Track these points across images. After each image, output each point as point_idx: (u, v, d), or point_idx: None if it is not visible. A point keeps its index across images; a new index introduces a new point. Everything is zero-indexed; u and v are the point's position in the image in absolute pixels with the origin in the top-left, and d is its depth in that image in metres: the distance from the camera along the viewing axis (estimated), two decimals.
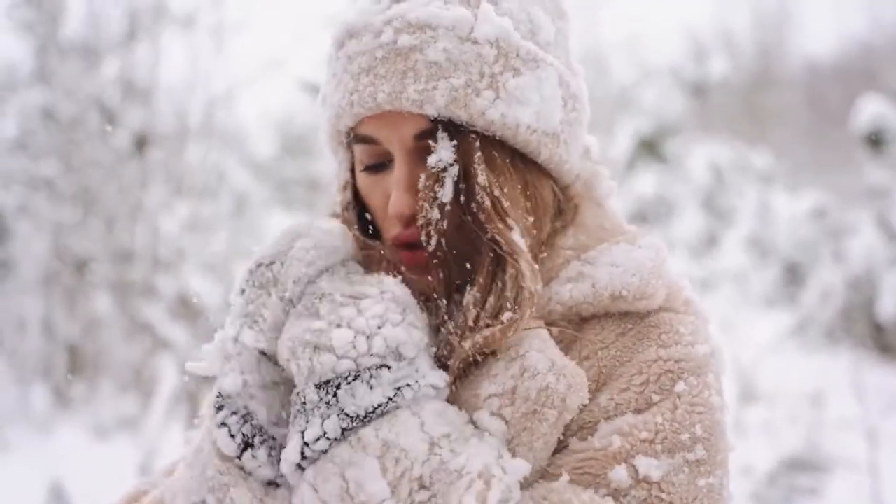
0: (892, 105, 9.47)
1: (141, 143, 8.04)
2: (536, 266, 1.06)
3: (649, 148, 12.56)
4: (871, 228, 9.38)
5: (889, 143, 9.31)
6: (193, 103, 8.53)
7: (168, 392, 6.07)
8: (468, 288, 1.06)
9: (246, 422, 1.03)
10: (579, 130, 1.15)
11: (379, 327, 0.99)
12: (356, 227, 1.15)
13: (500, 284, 1.04)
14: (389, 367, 0.98)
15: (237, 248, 8.75)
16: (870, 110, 9.39)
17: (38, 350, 8.11)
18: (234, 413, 1.03)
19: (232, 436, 1.02)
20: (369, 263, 1.10)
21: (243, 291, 1.08)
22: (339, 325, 0.99)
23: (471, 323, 1.04)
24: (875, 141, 9.33)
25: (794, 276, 11.69)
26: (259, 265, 1.09)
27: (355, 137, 1.11)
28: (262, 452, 1.02)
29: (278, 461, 1.02)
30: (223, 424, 1.03)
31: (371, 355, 0.98)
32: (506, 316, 1.03)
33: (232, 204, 10.08)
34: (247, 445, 1.02)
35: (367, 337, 0.98)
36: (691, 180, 12.85)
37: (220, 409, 1.05)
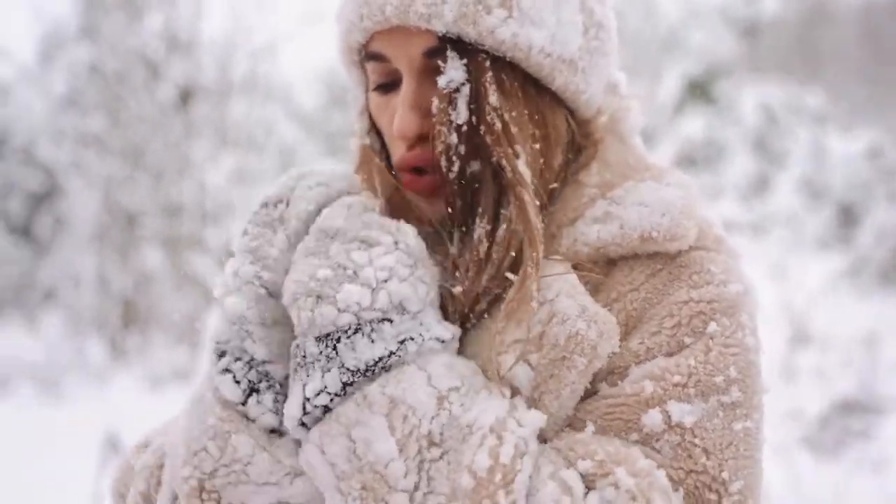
0: None
1: (185, 96, 8.08)
2: (538, 202, 1.01)
3: (698, 90, 12.34)
4: None
5: None
6: (236, 56, 8.55)
7: None
8: (477, 221, 1.02)
9: (251, 367, 1.00)
10: (602, 62, 1.09)
11: (385, 280, 0.95)
12: (379, 154, 1.11)
13: (506, 214, 1.00)
14: (391, 321, 0.95)
15: None
16: None
17: (93, 304, 8.28)
18: (238, 359, 1.01)
19: (237, 382, 1.00)
20: (391, 208, 1.06)
21: (246, 232, 1.05)
22: (345, 270, 0.96)
23: (482, 256, 1.00)
24: None
25: (848, 217, 11.50)
26: (264, 205, 1.06)
27: (367, 55, 1.08)
28: (268, 398, 1.00)
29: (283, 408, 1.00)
30: (227, 370, 1.00)
31: (374, 309, 0.95)
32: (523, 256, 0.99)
33: (278, 156, 10.12)
34: (252, 391, 1.00)
35: (372, 290, 0.95)
36: (742, 123, 12.64)
37: (221, 355, 1.02)
